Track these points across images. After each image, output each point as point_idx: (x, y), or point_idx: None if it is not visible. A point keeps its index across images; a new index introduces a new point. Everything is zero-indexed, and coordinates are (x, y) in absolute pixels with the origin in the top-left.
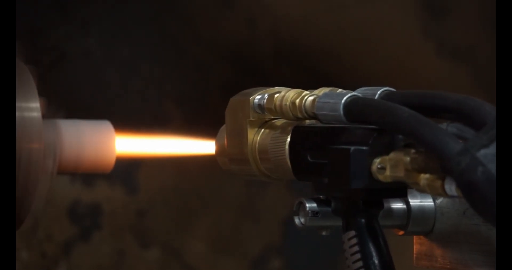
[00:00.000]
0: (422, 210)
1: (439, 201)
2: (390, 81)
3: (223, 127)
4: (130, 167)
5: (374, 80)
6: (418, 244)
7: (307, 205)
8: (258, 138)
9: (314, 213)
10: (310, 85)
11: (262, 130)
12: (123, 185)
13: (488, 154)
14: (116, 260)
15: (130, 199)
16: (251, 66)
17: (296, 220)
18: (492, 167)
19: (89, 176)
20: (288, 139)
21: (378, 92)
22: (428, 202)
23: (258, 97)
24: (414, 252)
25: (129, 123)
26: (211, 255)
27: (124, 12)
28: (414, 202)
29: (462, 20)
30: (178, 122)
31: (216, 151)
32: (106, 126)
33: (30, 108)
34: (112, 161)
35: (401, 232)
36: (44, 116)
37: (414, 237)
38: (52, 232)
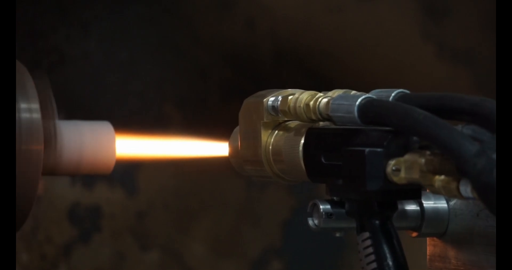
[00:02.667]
0: (435, 212)
1: (452, 202)
2: (390, 83)
3: (237, 129)
4: (129, 169)
5: (373, 82)
6: (431, 246)
7: (321, 206)
8: (272, 140)
9: (328, 214)
10: (309, 87)
11: (276, 132)
12: (123, 187)
13: None
14: (116, 263)
15: (130, 201)
16: (251, 67)
17: (310, 222)
18: None
19: (88, 178)
20: (302, 141)
21: (393, 94)
22: (442, 203)
23: (272, 99)
24: (428, 253)
25: (128, 125)
26: (211, 257)
27: (123, 14)
28: (427, 203)
29: (462, 22)
30: (178, 123)
31: (229, 153)
32: (106, 127)
33: (30, 109)
34: (112, 162)
35: (414, 234)
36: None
37: (428, 238)
38: (52, 234)
